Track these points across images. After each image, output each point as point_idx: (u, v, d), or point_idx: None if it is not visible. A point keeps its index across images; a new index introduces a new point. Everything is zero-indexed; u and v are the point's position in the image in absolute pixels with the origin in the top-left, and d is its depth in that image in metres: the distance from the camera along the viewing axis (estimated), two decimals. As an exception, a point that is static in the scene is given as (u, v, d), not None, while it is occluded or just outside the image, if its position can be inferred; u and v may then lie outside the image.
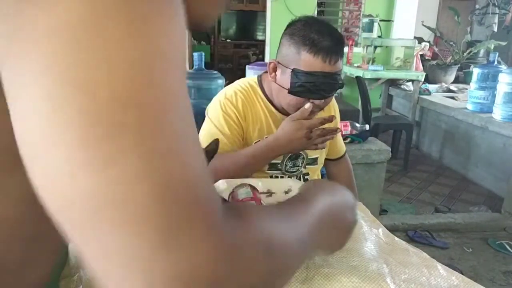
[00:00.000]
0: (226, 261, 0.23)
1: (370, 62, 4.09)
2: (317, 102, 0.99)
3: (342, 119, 1.39)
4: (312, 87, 0.95)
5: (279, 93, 1.03)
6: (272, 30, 4.48)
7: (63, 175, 0.19)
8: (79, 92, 0.19)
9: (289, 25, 1.00)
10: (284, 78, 1.00)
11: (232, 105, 1.05)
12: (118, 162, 0.19)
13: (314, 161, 1.16)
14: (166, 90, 0.21)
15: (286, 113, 1.07)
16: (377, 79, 4.04)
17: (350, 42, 4.38)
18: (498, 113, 2.99)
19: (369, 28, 4.42)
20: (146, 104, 0.20)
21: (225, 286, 0.23)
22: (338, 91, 4.60)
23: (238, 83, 1.12)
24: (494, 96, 3.06)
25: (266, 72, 1.08)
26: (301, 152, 1.11)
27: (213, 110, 1.07)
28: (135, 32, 0.20)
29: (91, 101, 0.19)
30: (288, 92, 0.99)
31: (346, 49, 4.38)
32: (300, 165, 1.14)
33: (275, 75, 1.03)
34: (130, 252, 0.20)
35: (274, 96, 1.07)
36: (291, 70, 0.97)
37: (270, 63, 1.03)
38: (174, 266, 0.21)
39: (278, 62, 1.01)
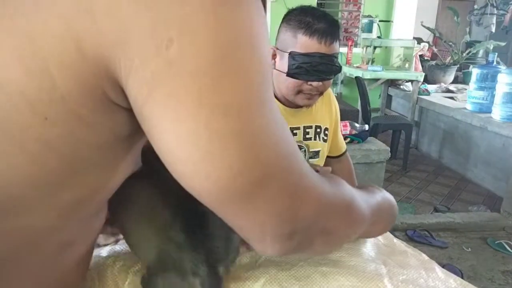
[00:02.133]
0: (322, 208, 0.33)
1: (370, 62, 4.10)
2: (314, 84, 1.01)
3: (341, 119, 1.40)
4: (309, 67, 0.98)
5: (279, 79, 1.06)
6: (272, 30, 4.45)
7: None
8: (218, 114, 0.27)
9: (286, 14, 1.04)
10: (282, 62, 1.02)
11: None
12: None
13: (316, 154, 1.17)
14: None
15: (288, 105, 1.11)
16: (376, 80, 4.04)
17: (350, 43, 4.38)
18: (497, 113, 3.00)
19: (368, 28, 4.43)
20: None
21: (312, 226, 0.33)
22: (338, 91, 4.56)
23: None
24: (493, 96, 3.07)
25: None
26: (302, 145, 1.13)
27: None
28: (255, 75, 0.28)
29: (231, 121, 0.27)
30: (286, 75, 1.02)
31: (345, 50, 4.39)
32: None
33: (275, 62, 1.06)
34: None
35: (275, 83, 1.10)
36: (288, 54, 1.00)
37: (269, 48, 1.05)
38: (287, 210, 0.30)
39: (277, 48, 1.05)
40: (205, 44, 0.26)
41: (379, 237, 0.74)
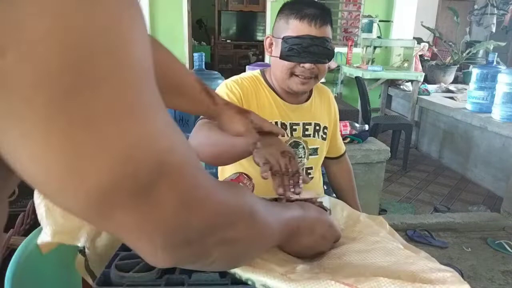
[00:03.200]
0: (218, 218, 0.32)
1: (370, 62, 4.10)
2: (307, 66, 1.03)
3: (341, 119, 1.40)
4: (300, 49, 1.01)
5: (274, 65, 1.10)
6: (272, 29, 4.48)
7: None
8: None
9: (281, 7, 1.10)
10: (277, 49, 1.07)
11: (237, 86, 1.09)
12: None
13: (314, 151, 1.17)
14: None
15: (287, 101, 1.13)
16: (376, 80, 4.05)
17: (350, 43, 4.38)
18: (497, 113, 3.00)
19: (368, 28, 4.43)
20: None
21: (207, 236, 0.31)
22: (338, 91, 4.54)
23: (242, 74, 1.18)
24: (493, 96, 3.07)
25: (267, 68, 1.17)
26: (300, 141, 1.13)
27: (219, 90, 1.11)
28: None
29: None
30: (280, 58, 1.05)
31: (345, 50, 4.39)
32: (303, 155, 1.15)
33: (271, 50, 1.11)
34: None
35: (272, 72, 1.13)
36: (281, 39, 1.04)
37: (266, 38, 1.12)
38: (176, 220, 0.28)
39: (273, 36, 1.10)
40: (48, 50, 0.22)
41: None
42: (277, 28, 1.08)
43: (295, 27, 1.02)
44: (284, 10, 1.06)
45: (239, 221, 0.35)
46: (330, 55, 1.05)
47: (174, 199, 0.28)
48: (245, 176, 0.82)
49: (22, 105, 0.22)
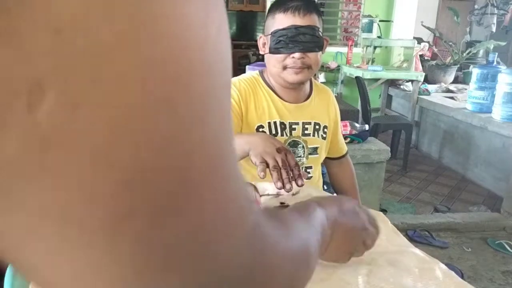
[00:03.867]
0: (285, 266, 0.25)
1: (370, 62, 4.10)
2: (296, 55, 1.04)
3: (341, 119, 1.39)
4: (287, 39, 1.03)
5: (268, 63, 1.11)
6: (271, 30, 4.48)
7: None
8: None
9: (269, 7, 1.12)
10: (268, 45, 1.09)
11: (235, 88, 1.10)
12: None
13: (314, 150, 1.17)
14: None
15: (287, 100, 1.14)
16: (376, 79, 4.04)
17: (350, 43, 4.38)
18: (497, 113, 3.00)
19: (368, 28, 4.43)
20: None
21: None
22: (338, 91, 4.54)
23: (242, 75, 1.19)
24: (493, 96, 3.07)
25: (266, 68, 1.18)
26: (299, 140, 1.13)
27: None
28: None
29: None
30: (270, 53, 1.07)
31: (345, 50, 4.39)
32: (302, 155, 1.15)
33: (264, 49, 1.12)
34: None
35: (268, 70, 1.14)
36: (270, 34, 1.07)
37: (259, 38, 1.14)
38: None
39: (264, 35, 1.12)
40: (113, 92, 0.12)
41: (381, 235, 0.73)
42: (266, 26, 1.11)
43: (281, 20, 1.04)
44: (271, 9, 1.08)
45: (299, 262, 0.29)
46: (319, 43, 1.06)
47: (249, 260, 0.21)
48: (253, 187, 0.81)
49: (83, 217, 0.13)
